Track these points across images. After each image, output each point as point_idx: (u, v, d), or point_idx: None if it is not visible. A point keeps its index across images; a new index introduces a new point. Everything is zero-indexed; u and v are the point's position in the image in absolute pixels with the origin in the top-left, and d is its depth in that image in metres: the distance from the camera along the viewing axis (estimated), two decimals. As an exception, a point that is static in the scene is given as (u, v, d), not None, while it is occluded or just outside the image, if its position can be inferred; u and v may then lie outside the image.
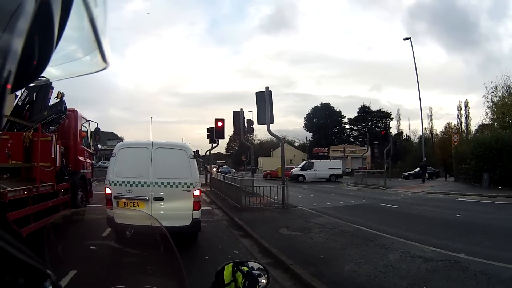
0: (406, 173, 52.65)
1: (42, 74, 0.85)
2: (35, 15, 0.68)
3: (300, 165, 52.60)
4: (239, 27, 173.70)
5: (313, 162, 51.84)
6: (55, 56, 0.81)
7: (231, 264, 2.23)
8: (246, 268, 2.25)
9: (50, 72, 0.88)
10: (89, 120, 16.27)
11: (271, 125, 18.08)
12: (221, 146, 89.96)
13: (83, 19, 0.82)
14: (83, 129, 15.50)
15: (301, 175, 48.42)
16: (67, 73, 1.00)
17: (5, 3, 0.64)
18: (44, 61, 0.80)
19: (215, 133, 30.92)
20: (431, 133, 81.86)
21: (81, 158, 14.67)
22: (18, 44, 0.65)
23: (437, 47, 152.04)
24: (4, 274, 0.74)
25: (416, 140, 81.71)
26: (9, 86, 0.66)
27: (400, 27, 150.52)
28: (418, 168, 48.16)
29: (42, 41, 0.76)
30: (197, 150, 45.95)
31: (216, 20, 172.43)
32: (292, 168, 53.03)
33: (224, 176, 27.08)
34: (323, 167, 50.25)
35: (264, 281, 2.28)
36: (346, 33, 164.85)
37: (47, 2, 0.71)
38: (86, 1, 0.81)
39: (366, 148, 64.76)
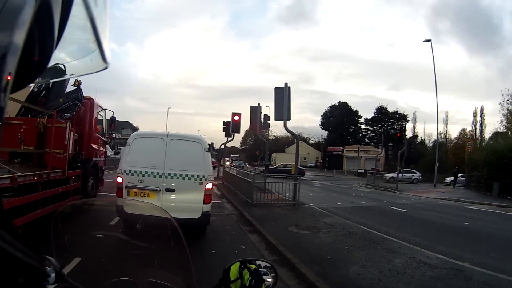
0: (448, 180, 51.25)
1: (42, 74, 0.85)
2: (35, 15, 0.68)
3: None
4: (260, 21, 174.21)
5: None
6: (55, 56, 0.82)
7: (239, 262, 2.24)
8: (253, 266, 2.26)
9: (50, 72, 0.88)
10: (105, 109, 16.35)
11: (288, 121, 18.05)
12: (236, 140, 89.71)
13: (83, 19, 0.82)
14: (99, 117, 15.56)
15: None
16: (67, 73, 1.00)
17: (5, 3, 0.64)
18: (44, 61, 0.80)
19: (231, 127, 30.98)
20: (446, 138, 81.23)
21: (94, 146, 14.73)
22: (18, 44, 0.66)
23: (460, 48, 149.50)
24: (4, 274, 0.75)
25: (430, 144, 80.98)
26: (9, 82, 0.67)
27: (423, 24, 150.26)
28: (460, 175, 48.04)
29: (43, 41, 0.76)
30: (212, 143, 46.05)
31: (237, 13, 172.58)
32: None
33: (237, 170, 27.01)
34: None
35: (270, 279, 2.28)
36: (367, 29, 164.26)
37: (47, 2, 0.71)
38: (86, 1, 0.81)
39: (380, 150, 64.42)
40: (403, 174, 48.36)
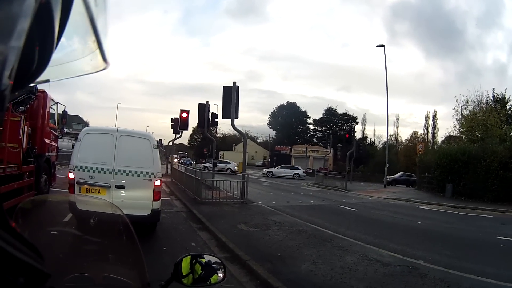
0: (388, 177, 52.23)
1: (42, 74, 0.85)
2: (35, 15, 0.69)
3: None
4: (211, 19, 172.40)
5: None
6: (55, 56, 0.82)
7: (190, 256, 2.27)
8: (204, 260, 2.30)
9: (50, 72, 0.88)
10: (57, 103, 16.03)
11: (235, 120, 18.14)
12: (184, 137, 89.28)
13: (83, 19, 0.83)
14: (51, 111, 15.24)
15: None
16: (67, 73, 1.00)
17: (5, 3, 0.65)
18: (44, 61, 0.80)
19: (179, 124, 30.78)
20: (396, 140, 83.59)
21: (47, 141, 14.38)
22: (18, 44, 0.66)
23: (417, 51, 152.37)
24: (4, 274, 0.76)
25: (380, 146, 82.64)
26: (11, 83, 0.67)
27: (379, 24, 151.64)
28: (400, 173, 49.09)
29: (42, 41, 0.77)
30: (160, 140, 45.62)
31: (189, 10, 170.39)
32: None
33: (185, 167, 26.86)
34: None
35: (221, 275, 2.33)
36: (319, 28, 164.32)
37: (47, 2, 0.72)
38: (86, 1, 0.82)
39: (328, 150, 65.29)
40: (285, 169, 50.85)
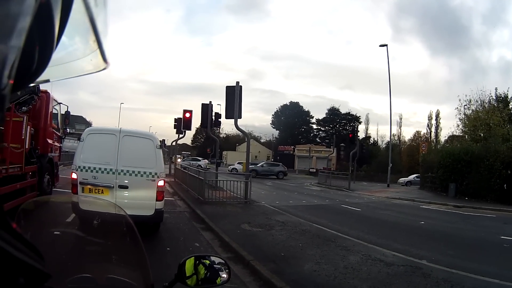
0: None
1: (42, 74, 0.85)
2: (35, 15, 0.68)
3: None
4: (213, 17, 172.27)
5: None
6: (55, 56, 0.81)
7: (193, 257, 2.27)
8: (208, 262, 2.30)
9: (50, 72, 0.88)
10: (60, 103, 16.04)
11: (238, 120, 18.19)
12: (187, 137, 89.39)
13: (83, 19, 0.82)
14: (54, 111, 15.22)
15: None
16: (67, 73, 1.00)
17: (4, 3, 0.64)
18: (44, 61, 0.80)
19: (182, 124, 30.72)
20: (399, 140, 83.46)
21: (49, 141, 14.38)
22: (18, 44, 0.66)
23: (422, 48, 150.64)
24: (4, 274, 0.75)
25: (384, 146, 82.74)
26: (11, 83, 0.67)
27: (384, 21, 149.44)
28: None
29: (42, 41, 0.76)
30: (163, 140, 45.60)
31: (192, 9, 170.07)
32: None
33: (188, 167, 26.89)
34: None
35: (225, 275, 2.33)
36: (321, 25, 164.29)
37: (47, 1, 0.71)
38: (86, 1, 0.81)
39: (332, 150, 65.24)
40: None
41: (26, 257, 0.82)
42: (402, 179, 52.15)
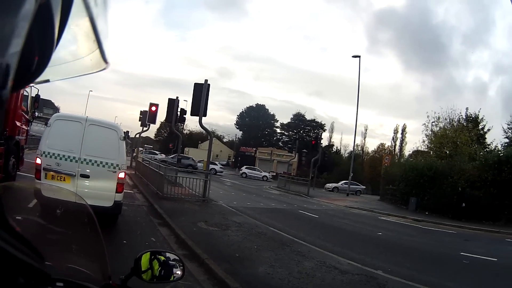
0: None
1: (42, 74, 0.86)
2: (35, 15, 0.70)
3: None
4: (192, 13, 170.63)
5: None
6: (55, 56, 0.84)
7: (149, 252, 2.30)
8: (163, 258, 2.32)
9: (50, 72, 0.89)
10: (31, 85, 15.63)
11: (203, 118, 18.19)
12: (151, 131, 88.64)
13: (83, 19, 0.85)
14: (25, 93, 14.89)
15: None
16: (67, 73, 1.01)
17: (5, 3, 0.66)
18: (44, 61, 0.82)
19: (147, 117, 30.68)
20: (363, 151, 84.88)
21: (18, 123, 13.99)
22: (18, 44, 0.68)
23: (396, 62, 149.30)
24: (4, 274, 0.77)
25: (346, 155, 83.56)
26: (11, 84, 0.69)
27: (362, 32, 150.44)
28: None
29: (42, 41, 0.78)
30: (128, 132, 45.06)
31: (171, 1, 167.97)
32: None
33: (149, 161, 26.73)
34: None
35: (179, 272, 2.35)
36: (296, 29, 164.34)
37: (47, 2, 0.73)
38: (86, 1, 0.83)
39: (293, 155, 65.63)
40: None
41: (26, 257, 0.85)
42: (329, 185, 53.35)
